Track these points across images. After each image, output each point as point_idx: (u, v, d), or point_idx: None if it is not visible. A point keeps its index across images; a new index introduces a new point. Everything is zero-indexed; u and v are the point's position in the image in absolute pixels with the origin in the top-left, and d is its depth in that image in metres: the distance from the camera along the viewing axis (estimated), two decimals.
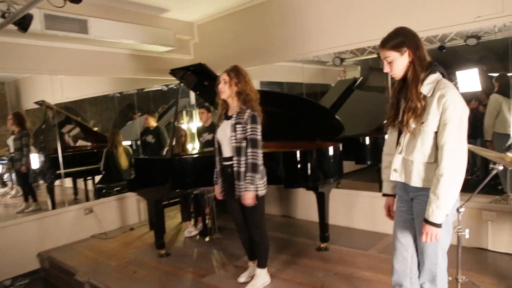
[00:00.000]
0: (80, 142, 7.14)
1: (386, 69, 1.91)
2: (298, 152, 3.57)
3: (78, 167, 6.11)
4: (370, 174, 5.00)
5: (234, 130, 2.82)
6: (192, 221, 4.79)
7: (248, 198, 2.78)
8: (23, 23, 3.22)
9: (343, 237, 4.14)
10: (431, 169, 1.83)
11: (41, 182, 5.61)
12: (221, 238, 4.43)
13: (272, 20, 4.84)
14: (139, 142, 6.71)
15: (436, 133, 1.81)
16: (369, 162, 4.51)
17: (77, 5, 3.61)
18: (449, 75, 6.39)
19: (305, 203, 4.88)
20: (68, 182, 6.63)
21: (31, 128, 5.69)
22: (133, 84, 7.02)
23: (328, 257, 3.64)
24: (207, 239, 4.43)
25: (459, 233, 2.37)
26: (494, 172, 2.34)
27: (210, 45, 5.63)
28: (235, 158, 2.84)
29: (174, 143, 4.27)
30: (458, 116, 1.75)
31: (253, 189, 2.79)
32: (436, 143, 1.81)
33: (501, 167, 2.31)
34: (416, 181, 1.89)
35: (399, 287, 2.05)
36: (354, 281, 3.07)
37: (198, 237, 4.54)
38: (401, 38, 1.84)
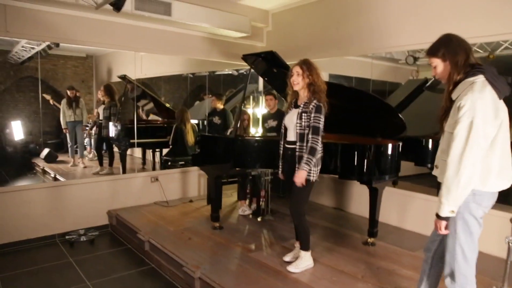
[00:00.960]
0: (152, 117, 7.69)
1: (433, 72, 2.09)
2: (356, 146, 3.64)
3: (149, 139, 6.61)
4: (431, 180, 4.86)
5: (300, 118, 3.05)
6: (247, 201, 5.03)
7: (301, 177, 2.98)
8: (118, 4, 3.60)
9: (392, 235, 4.14)
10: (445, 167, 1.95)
11: (115, 149, 6.18)
12: (272, 220, 4.62)
13: (347, 12, 4.79)
14: (205, 122, 7.07)
15: (451, 134, 1.93)
16: (429, 165, 4.41)
17: None
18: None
19: (358, 198, 4.92)
20: (137, 152, 7.20)
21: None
22: (205, 66, 7.37)
23: (373, 252, 3.69)
24: (259, 219, 4.65)
25: (510, 243, 2.33)
26: None
27: (283, 33, 5.75)
28: (298, 144, 3.07)
29: (237, 125, 4.50)
30: (468, 119, 1.85)
31: (307, 169, 2.97)
32: None
33: None
34: (440, 176, 2.07)
35: (426, 253, 2.30)
36: (395, 277, 3.11)
37: (251, 216, 4.78)
38: (442, 46, 2.04)
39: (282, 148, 3.31)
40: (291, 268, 3.17)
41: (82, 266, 3.79)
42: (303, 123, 3.05)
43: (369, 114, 4.07)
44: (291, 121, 3.15)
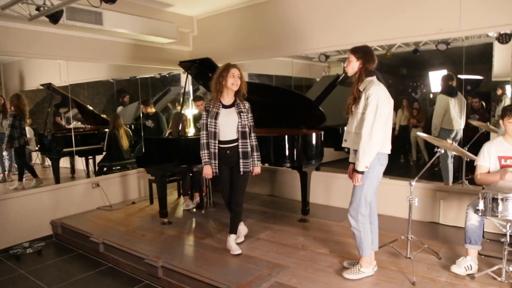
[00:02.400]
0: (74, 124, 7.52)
1: (346, 63, 2.86)
2: (286, 137, 4.22)
3: (83, 146, 6.56)
4: (347, 164, 5.66)
5: (240, 117, 3.42)
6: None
7: (259, 172, 3.56)
8: (55, 16, 3.73)
9: (321, 212, 4.84)
10: (359, 137, 2.73)
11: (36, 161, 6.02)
12: (215, 211, 5.06)
13: (267, 20, 5.40)
14: (133, 126, 7.21)
15: (363, 114, 2.70)
16: (346, 150, 5.16)
17: None
18: (422, 76, 7.13)
19: (288, 184, 5.56)
20: (63, 162, 7.05)
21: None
22: (132, 71, 7.47)
23: (308, 226, 4.33)
24: (203, 211, 5.06)
25: (410, 201, 3.09)
26: (437, 154, 3.06)
27: (207, 38, 6.18)
28: (241, 141, 3.45)
29: (178, 126, 4.85)
30: (375, 103, 2.67)
31: (260, 164, 3.58)
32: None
33: (442, 151, 3.06)
34: (352, 145, 2.88)
35: None
36: (329, 243, 3.77)
37: (195, 210, 5.16)
38: (361, 52, 2.84)
39: (215, 148, 3.44)
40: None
41: (37, 276, 3.85)
42: (242, 122, 3.41)
43: (293, 109, 4.68)
44: (230, 121, 3.39)
